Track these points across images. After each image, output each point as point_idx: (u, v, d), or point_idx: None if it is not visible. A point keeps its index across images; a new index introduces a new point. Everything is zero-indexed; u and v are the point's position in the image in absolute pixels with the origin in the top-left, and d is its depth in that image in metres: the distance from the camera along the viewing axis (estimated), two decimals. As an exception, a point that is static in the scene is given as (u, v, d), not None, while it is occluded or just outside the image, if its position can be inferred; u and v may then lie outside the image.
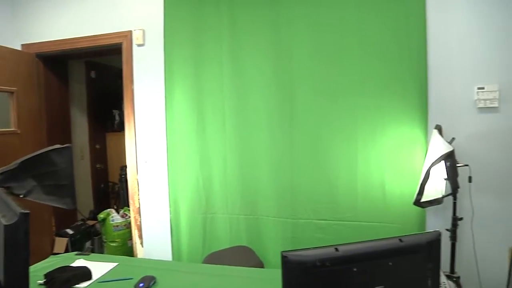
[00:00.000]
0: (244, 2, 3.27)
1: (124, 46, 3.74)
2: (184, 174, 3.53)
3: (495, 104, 2.94)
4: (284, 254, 1.24)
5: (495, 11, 2.94)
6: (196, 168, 3.48)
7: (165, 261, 3.17)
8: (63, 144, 2.41)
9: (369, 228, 3.07)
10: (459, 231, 2.75)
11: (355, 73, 3.07)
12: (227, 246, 3.35)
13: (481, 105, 2.96)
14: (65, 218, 4.57)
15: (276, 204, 3.29)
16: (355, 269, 1.26)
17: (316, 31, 3.12)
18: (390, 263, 1.30)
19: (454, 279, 2.74)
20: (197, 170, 3.48)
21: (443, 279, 1.86)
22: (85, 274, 2.17)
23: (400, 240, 1.32)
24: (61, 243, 4.24)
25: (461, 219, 2.75)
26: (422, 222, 3.05)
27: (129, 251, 4.22)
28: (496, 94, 2.93)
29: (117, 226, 4.44)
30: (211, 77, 3.38)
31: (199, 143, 3.45)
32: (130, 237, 4.18)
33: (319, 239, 3.15)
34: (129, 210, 4.06)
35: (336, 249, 1.26)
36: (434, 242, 1.36)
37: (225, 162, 3.38)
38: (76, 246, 4.33)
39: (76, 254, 2.59)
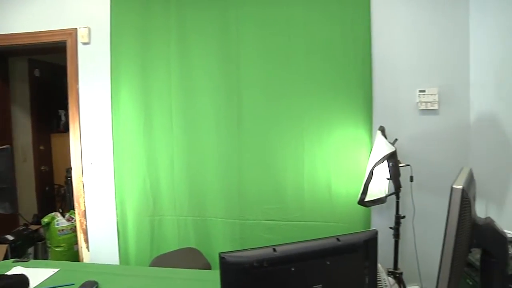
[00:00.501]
0: (193, 2, 3.23)
1: (68, 44, 3.61)
2: (130, 176, 3.44)
3: (435, 107, 3.07)
4: (222, 255, 1.22)
5: (437, 16, 3.07)
6: (143, 169, 3.40)
7: (109, 265, 3.08)
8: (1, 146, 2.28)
9: (316, 227, 3.11)
10: (402, 228, 2.82)
11: (302, 74, 3.10)
12: (176, 248, 3.29)
13: (422, 107, 3.08)
14: (5, 223, 4.34)
15: (224, 205, 3.28)
16: (293, 269, 1.26)
17: (264, 32, 3.14)
18: (328, 262, 1.31)
19: (397, 275, 2.81)
20: (144, 172, 3.40)
21: (383, 276, 1.90)
22: (21, 282, 2.04)
23: (338, 239, 1.33)
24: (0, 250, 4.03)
25: (403, 217, 2.82)
26: (367, 221, 3.13)
27: (75, 256, 4.07)
28: (436, 97, 3.06)
29: (63, 230, 4.28)
30: (158, 78, 3.32)
31: (146, 144, 3.37)
32: (76, 242, 4.02)
33: (267, 239, 3.15)
34: (75, 213, 3.90)
35: (274, 250, 1.25)
36: (370, 241, 1.38)
37: (173, 163, 3.33)
38: (18, 252, 4.11)
39: (14, 261, 2.44)
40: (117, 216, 3.52)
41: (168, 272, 2.33)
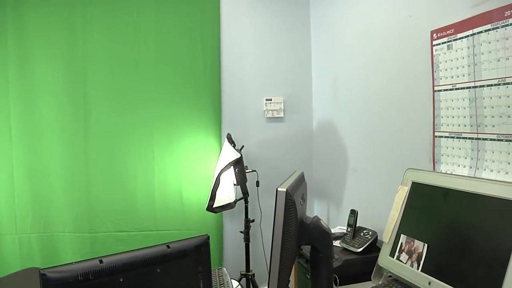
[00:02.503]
0: (34, 2, 2.94)
1: None
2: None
3: (281, 114, 3.25)
4: (43, 271, 1.11)
5: (283, 30, 3.26)
6: None
7: None
8: None
9: (169, 236, 3.00)
10: (252, 232, 2.92)
11: (152, 83, 3.04)
12: (17, 270, 2.92)
13: (269, 115, 3.23)
14: None
15: (72, 219, 3.04)
16: (121, 279, 1.20)
17: (113, 40, 2.99)
18: (159, 270, 1.28)
19: (250, 276, 2.91)
20: None
21: (226, 279, 1.91)
22: None
23: (168, 246, 1.31)
24: None
25: (253, 221, 2.92)
26: (220, 226, 3.17)
27: None
28: (282, 105, 3.24)
29: None
30: None
31: None
32: None
33: (120, 251, 2.96)
34: None
35: (101, 261, 1.19)
36: (202, 246, 1.38)
37: (12, 175, 2.98)
38: None
39: None
40: None
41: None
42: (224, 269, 2.05)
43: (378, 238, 2.05)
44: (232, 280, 1.94)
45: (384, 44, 2.30)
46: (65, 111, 2.98)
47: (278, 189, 1.27)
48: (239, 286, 2.33)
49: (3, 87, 2.91)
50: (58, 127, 2.98)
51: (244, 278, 2.93)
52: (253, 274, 2.94)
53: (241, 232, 2.92)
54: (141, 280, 1.26)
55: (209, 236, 1.42)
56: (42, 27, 2.91)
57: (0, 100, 2.92)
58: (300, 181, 1.57)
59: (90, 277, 1.16)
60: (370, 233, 2.11)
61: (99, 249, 3.03)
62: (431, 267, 1.52)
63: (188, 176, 3.09)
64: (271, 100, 3.23)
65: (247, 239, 2.90)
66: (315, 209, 3.34)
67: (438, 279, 1.45)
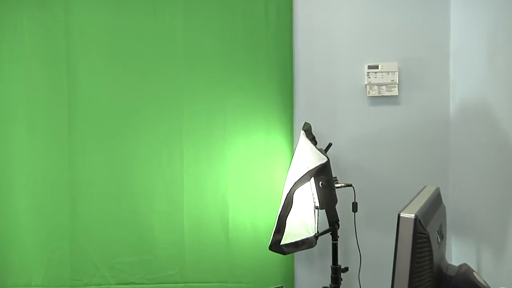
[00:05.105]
0: None
1: None
2: None
3: (394, 91, 2.38)
4: None
5: None
6: None
7: None
8: None
9: None
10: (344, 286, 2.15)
11: (178, 42, 2.35)
12: None
13: (373, 92, 2.39)
14: None
15: (43, 264, 2.35)
16: None
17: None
18: None
19: None
20: None
21: None
22: None
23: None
24: None
25: (345, 269, 2.14)
26: (289, 277, 2.37)
27: None
28: (395, 76, 2.36)
29: None
30: None
31: None
32: None
33: None
34: None
35: None
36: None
37: None
38: None
39: None
40: None
41: None
42: None
43: None
44: None
45: None
46: (37, 95, 2.38)
47: (401, 215, 1.08)
48: None
49: None
50: (26, 120, 2.39)
51: None
52: None
53: (324, 288, 2.21)
54: None
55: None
56: None
57: None
58: (435, 203, 1.34)
59: None
60: None
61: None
62: None
63: (238, 193, 2.36)
64: (377, 67, 2.35)
65: (336, 301, 2.15)
66: (453, 252, 2.49)
67: None
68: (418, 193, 1.28)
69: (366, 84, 2.35)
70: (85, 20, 2.39)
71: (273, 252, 2.04)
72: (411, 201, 1.17)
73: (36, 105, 2.38)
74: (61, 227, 2.35)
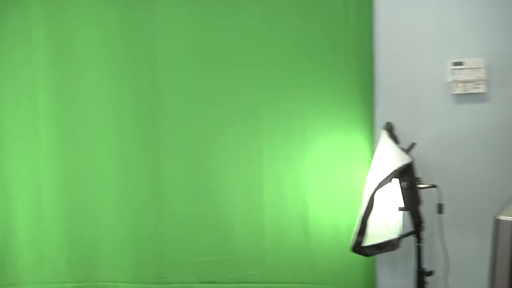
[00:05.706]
0: None
1: None
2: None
3: (481, 89, 2.26)
4: None
5: None
6: None
7: None
8: None
9: None
10: (429, 290, 2.12)
11: (258, 40, 2.35)
12: None
13: (459, 90, 2.28)
14: None
15: (131, 262, 2.41)
16: None
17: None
18: None
19: None
20: None
21: None
22: None
23: None
24: None
25: (430, 273, 2.07)
26: (371, 280, 2.31)
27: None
28: (483, 73, 2.24)
29: None
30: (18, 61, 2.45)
31: None
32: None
33: None
34: None
35: None
36: None
37: (38, 193, 2.43)
38: None
39: None
40: None
41: None
42: None
43: None
44: None
45: None
46: (122, 92, 2.42)
47: (500, 218, 1.03)
48: None
49: (26, 59, 2.42)
50: (111, 119, 2.43)
51: None
52: None
53: (409, 292, 2.13)
54: None
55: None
56: None
57: (26, 90, 2.42)
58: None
59: None
60: None
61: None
62: None
63: (318, 193, 2.32)
64: (462, 64, 2.24)
65: (421, 303, 2.06)
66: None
67: None
68: (515, 196, 1.19)
69: (450, 82, 2.25)
70: (168, 19, 2.42)
71: (355, 254, 2.01)
72: (508, 203, 1.12)
73: (122, 106, 2.44)
74: (147, 227, 2.42)
